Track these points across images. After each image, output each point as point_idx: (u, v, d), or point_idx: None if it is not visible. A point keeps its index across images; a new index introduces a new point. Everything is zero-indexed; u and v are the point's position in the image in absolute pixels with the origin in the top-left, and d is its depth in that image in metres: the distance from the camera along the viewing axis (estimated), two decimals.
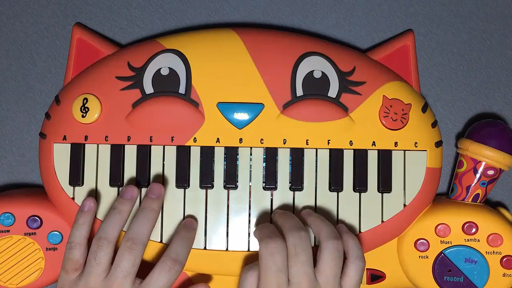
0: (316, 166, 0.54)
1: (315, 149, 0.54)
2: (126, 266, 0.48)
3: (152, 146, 0.54)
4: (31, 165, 0.60)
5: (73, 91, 0.54)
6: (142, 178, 0.54)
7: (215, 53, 0.54)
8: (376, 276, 0.55)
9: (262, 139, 0.54)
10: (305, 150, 0.54)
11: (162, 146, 0.54)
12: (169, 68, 0.54)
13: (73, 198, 0.54)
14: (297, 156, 0.54)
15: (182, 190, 0.54)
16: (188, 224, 0.53)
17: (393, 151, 0.54)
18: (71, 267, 0.49)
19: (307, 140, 0.54)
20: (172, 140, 0.54)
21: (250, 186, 0.54)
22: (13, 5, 0.61)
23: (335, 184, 0.54)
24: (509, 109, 0.61)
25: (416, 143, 0.54)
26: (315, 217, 0.51)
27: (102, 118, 0.54)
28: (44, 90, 0.60)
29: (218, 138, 0.54)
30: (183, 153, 0.54)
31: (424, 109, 0.55)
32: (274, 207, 0.54)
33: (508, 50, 0.61)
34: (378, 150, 0.54)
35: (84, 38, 0.56)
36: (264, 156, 0.54)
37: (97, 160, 0.54)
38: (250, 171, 0.54)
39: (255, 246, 0.53)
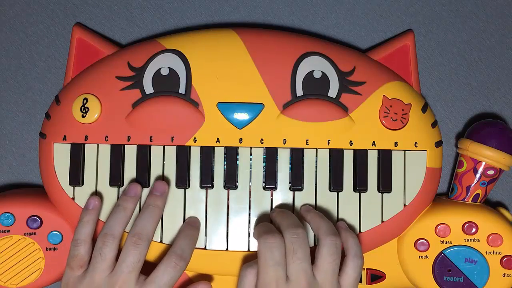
0: (316, 166, 0.54)
1: (315, 149, 0.54)
2: (131, 261, 0.48)
3: (152, 146, 0.54)
4: (31, 165, 0.60)
5: (73, 91, 0.54)
6: (142, 178, 0.54)
7: (215, 53, 0.54)
8: (376, 276, 0.55)
9: (262, 139, 0.54)
10: (305, 150, 0.54)
11: (162, 146, 0.54)
12: (169, 68, 0.54)
13: (73, 198, 0.54)
14: (297, 156, 0.54)
15: (182, 190, 0.54)
16: (192, 222, 0.53)
17: (393, 151, 0.54)
18: (76, 264, 0.49)
19: (307, 140, 0.54)
20: (172, 140, 0.54)
21: (250, 186, 0.54)
22: (13, 5, 0.61)
23: (335, 184, 0.54)
24: (509, 109, 0.61)
25: (416, 143, 0.54)
26: (314, 213, 0.52)
27: (102, 118, 0.54)
28: (44, 90, 0.60)
29: (218, 138, 0.54)
30: (183, 153, 0.54)
31: (424, 109, 0.55)
32: (274, 207, 0.54)
33: (508, 50, 0.61)
34: (378, 150, 0.54)
35: (84, 38, 0.56)
36: (264, 156, 0.54)
37: (97, 160, 0.54)
38: (250, 171, 0.54)
39: (255, 246, 0.53)
